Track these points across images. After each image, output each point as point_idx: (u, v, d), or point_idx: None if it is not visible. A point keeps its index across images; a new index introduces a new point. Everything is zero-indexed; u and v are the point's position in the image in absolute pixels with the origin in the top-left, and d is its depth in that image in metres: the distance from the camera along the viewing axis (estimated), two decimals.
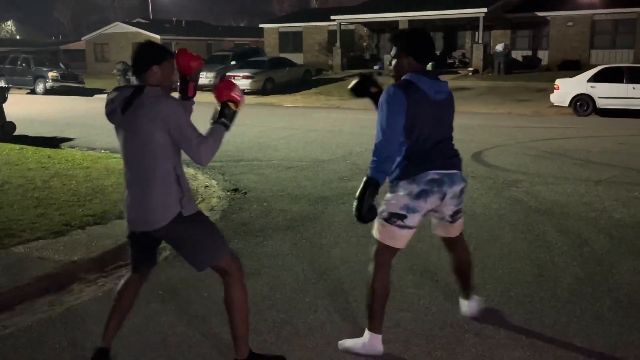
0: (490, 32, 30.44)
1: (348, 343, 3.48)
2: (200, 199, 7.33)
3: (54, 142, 12.40)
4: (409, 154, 3.26)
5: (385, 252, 3.38)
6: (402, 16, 30.55)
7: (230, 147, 11.58)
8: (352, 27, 35.28)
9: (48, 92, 28.81)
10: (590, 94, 17.26)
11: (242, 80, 25.91)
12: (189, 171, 9.17)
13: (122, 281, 3.41)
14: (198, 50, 41.50)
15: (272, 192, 7.67)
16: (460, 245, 3.69)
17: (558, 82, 18.11)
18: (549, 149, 10.59)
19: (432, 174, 3.24)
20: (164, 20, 50.49)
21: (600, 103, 17.13)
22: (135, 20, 48.85)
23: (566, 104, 17.49)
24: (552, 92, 18.07)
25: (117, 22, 46.52)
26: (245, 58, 29.79)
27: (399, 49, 3.32)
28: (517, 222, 6.09)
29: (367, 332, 3.40)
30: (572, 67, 24.96)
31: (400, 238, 3.33)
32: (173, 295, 4.35)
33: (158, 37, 43.05)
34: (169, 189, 2.98)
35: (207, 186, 8.06)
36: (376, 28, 34.93)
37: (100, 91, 30.02)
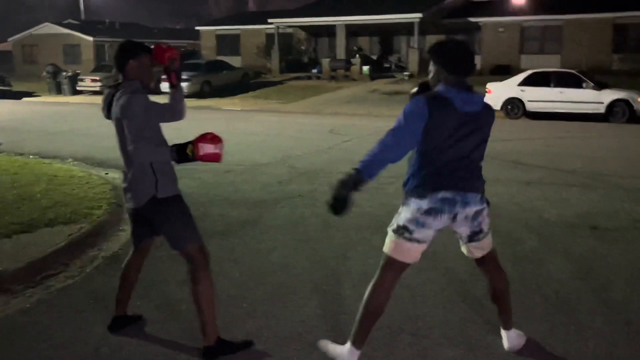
0: (426, 37, 31.06)
1: (329, 346, 3.43)
2: None
3: None
4: (424, 169, 3.12)
5: (391, 267, 3.22)
6: (338, 20, 30.84)
7: None
8: (290, 30, 35.35)
9: None
10: (520, 97, 17.87)
11: None
12: (115, 176, 8.95)
13: (127, 258, 3.79)
14: None
15: (209, 197, 7.57)
16: (492, 271, 3.42)
17: (490, 86, 18.65)
18: None
19: (444, 193, 3.09)
20: (97, 22, 49.11)
21: (530, 106, 17.75)
22: (66, 21, 47.31)
23: (498, 107, 18.03)
24: (485, 96, 18.57)
25: (46, 23, 44.95)
26: (182, 60, 29.24)
27: (432, 60, 3.18)
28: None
29: (348, 344, 3.30)
30: (503, 72, 25.74)
31: (408, 251, 3.17)
32: (105, 305, 4.22)
33: (91, 38, 41.92)
34: (144, 173, 3.31)
35: None
36: (314, 32, 35.11)
37: (29, 94, 28.95)
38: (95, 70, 31.93)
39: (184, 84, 25.47)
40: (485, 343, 3.60)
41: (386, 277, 3.23)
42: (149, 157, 3.28)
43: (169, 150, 3.29)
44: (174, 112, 3.59)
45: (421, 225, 3.12)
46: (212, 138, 3.26)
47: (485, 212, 3.24)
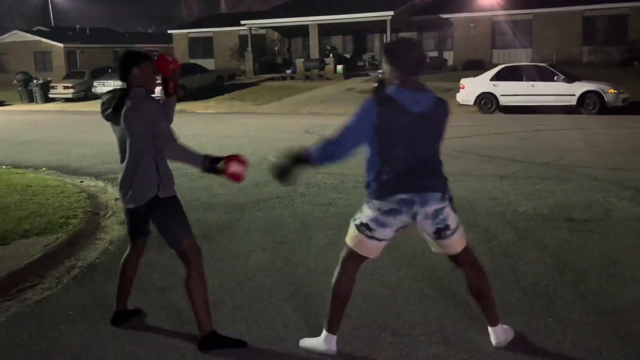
0: (398, 35, 31.21)
1: (307, 342, 3.57)
2: (110, 213, 7.09)
3: None
4: (382, 172, 3.17)
5: (352, 258, 3.38)
6: (311, 20, 30.83)
7: None
8: (262, 31, 35.29)
9: None
10: (493, 92, 18.04)
11: None
12: (98, 184, 8.87)
13: (124, 256, 3.99)
14: (104, 58, 40.24)
15: (185, 201, 7.39)
16: (469, 269, 3.43)
17: (463, 81, 18.82)
18: (457, 147, 10.95)
19: (402, 195, 3.15)
20: (67, 28, 48.51)
21: (503, 100, 17.94)
22: (35, 28, 46.67)
23: (472, 102, 18.20)
24: (458, 91, 18.75)
25: (15, 31, 44.27)
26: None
27: (385, 60, 3.21)
28: None
29: (324, 332, 3.48)
30: (476, 67, 26.00)
31: (368, 248, 3.29)
32: (83, 316, 4.18)
33: (61, 45, 41.38)
34: (149, 174, 3.53)
35: (117, 199, 7.80)
36: (287, 32, 35.08)
37: (0, 103, 28.52)
38: (67, 77, 31.56)
39: (157, 88, 25.33)
40: (466, 339, 3.62)
41: (348, 266, 3.40)
42: (171, 155, 3.55)
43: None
44: (166, 118, 3.72)
45: (381, 224, 3.21)
46: (242, 161, 3.58)
47: (447, 209, 3.26)
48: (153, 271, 4.95)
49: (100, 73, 30.36)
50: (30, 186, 8.14)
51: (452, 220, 3.28)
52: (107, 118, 3.70)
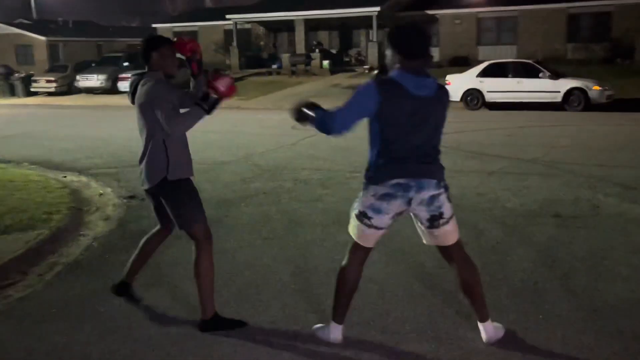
0: (384, 30, 31.19)
1: (316, 330, 3.62)
2: (94, 208, 6.98)
3: None
4: (380, 157, 3.18)
5: (356, 249, 3.39)
6: (297, 15, 30.72)
7: (126, 152, 11.16)
8: (248, 26, 35.10)
9: None
10: (479, 88, 18.09)
11: None
12: (81, 179, 8.74)
13: (152, 231, 4.06)
14: (88, 51, 39.83)
15: None
16: (460, 263, 3.41)
17: (449, 77, 18.83)
18: (443, 143, 10.91)
19: (398, 180, 3.15)
20: (49, 21, 47.86)
21: (489, 97, 17.99)
22: (17, 21, 45.98)
23: (458, 98, 18.22)
24: (439, 80, 18.73)
25: None
26: (139, 59, 28.76)
27: (388, 44, 3.20)
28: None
29: (331, 322, 3.50)
30: (461, 63, 26.02)
31: (366, 236, 3.31)
32: (67, 313, 4.09)
33: (43, 38, 40.85)
34: (158, 156, 3.61)
35: (101, 194, 7.70)
36: (273, 27, 34.93)
37: None
38: (50, 70, 31.22)
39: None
40: (455, 336, 3.59)
41: (354, 257, 3.40)
42: (178, 129, 3.55)
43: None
44: (171, 120, 3.62)
45: (377, 211, 3.21)
46: (221, 75, 3.64)
47: (443, 197, 3.25)
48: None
49: (83, 67, 30.07)
50: (12, 181, 8.00)
51: (447, 209, 3.27)
52: (132, 102, 3.79)
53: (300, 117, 3.40)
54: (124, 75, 25.82)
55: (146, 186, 3.75)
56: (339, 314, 3.47)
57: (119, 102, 25.21)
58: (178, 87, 3.87)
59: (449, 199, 3.31)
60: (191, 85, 3.96)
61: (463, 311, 3.84)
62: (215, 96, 3.60)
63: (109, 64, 29.22)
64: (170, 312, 4.06)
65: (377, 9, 28.30)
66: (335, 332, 3.49)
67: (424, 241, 3.46)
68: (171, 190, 3.66)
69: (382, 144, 3.17)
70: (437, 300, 4.11)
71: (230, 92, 3.64)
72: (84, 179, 8.81)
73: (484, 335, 3.48)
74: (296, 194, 7.38)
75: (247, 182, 8.19)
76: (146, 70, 3.70)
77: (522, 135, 12.08)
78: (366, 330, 3.69)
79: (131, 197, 7.44)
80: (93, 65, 30.34)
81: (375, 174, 3.21)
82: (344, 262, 3.44)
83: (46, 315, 4.08)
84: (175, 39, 3.86)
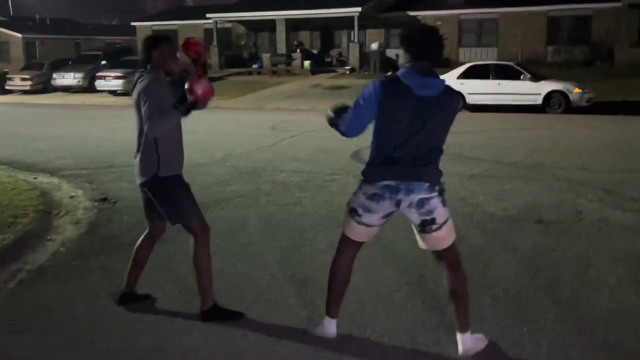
0: (366, 31, 31.12)
1: (310, 327, 3.63)
2: (64, 212, 6.73)
3: None
4: (377, 156, 3.20)
5: (345, 242, 3.41)
6: (278, 15, 30.51)
7: (99, 152, 10.91)
8: (229, 25, 34.79)
9: None
10: (460, 90, 17.97)
11: (113, 80, 24.74)
12: (52, 181, 8.47)
13: (141, 237, 4.05)
14: (65, 49, 39.20)
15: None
16: (449, 269, 3.31)
17: None
18: None
19: (388, 182, 3.14)
20: (26, 18, 47.13)
21: (470, 99, 17.91)
22: None
23: None
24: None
25: None
26: (117, 57, 28.41)
27: (401, 45, 3.22)
28: (397, 221, 6.04)
29: (325, 317, 3.50)
30: (443, 65, 25.91)
31: (356, 232, 3.33)
32: (29, 325, 3.86)
33: (19, 35, 40.15)
34: (149, 152, 3.66)
35: (72, 196, 7.44)
36: (254, 26, 34.65)
37: None
38: (25, 68, 30.63)
39: (118, 82, 24.75)
40: (436, 349, 3.44)
41: (343, 250, 3.42)
42: (154, 132, 3.55)
43: (179, 133, 3.83)
44: (147, 121, 3.66)
45: (367, 209, 3.21)
46: (199, 76, 3.65)
47: (435, 201, 3.17)
48: (105, 277, 4.66)
49: (60, 65, 29.56)
50: None
51: (440, 215, 3.19)
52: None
53: (331, 122, 3.42)
54: (101, 73, 25.43)
55: (139, 181, 3.77)
56: (332, 308, 3.47)
57: (96, 101, 24.82)
58: (177, 86, 3.85)
59: (444, 203, 3.23)
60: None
61: (444, 323, 3.68)
62: (191, 99, 3.59)
63: (86, 62, 28.80)
64: (138, 326, 3.85)
65: (359, 9, 28.18)
66: (330, 326, 3.48)
67: (419, 245, 3.40)
68: (162, 187, 3.70)
69: (379, 142, 3.18)
70: (417, 311, 3.95)
71: (207, 95, 3.62)
72: (55, 180, 8.54)
73: (460, 347, 3.34)
74: (274, 197, 7.20)
75: (224, 184, 7.98)
76: (147, 68, 3.75)
77: (503, 138, 12.01)
78: (345, 343, 3.52)
79: (103, 200, 7.20)
80: (70, 63, 29.86)
81: (368, 173, 3.22)
82: (335, 255, 3.45)
83: (7, 327, 3.85)
84: (183, 40, 3.84)
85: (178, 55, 3.85)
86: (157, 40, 3.79)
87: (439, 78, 3.15)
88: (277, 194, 7.35)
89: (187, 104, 3.58)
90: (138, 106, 3.63)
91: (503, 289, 4.27)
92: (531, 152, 10.03)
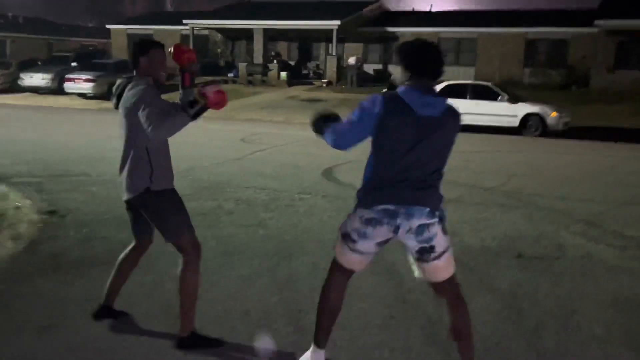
0: (344, 45, 30.84)
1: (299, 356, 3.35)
2: (6, 225, 6.13)
3: None
4: (373, 179, 2.98)
5: (336, 269, 3.19)
6: (256, 24, 30.13)
7: (57, 159, 10.29)
8: (206, 32, 34.29)
9: None
10: None
11: (83, 83, 24.03)
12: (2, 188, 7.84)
13: (126, 250, 3.83)
14: (38, 49, 38.26)
15: (96, 214, 6.64)
16: (451, 302, 3.10)
17: None
18: None
19: (386, 205, 2.92)
20: None
21: None
22: None
23: None
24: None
25: None
26: (89, 60, 27.67)
27: (396, 60, 3.05)
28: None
29: (312, 345, 3.25)
30: None
31: (350, 260, 3.10)
32: None
33: None
34: (140, 164, 3.42)
35: (18, 207, 6.84)
36: (231, 35, 34.21)
37: None
38: None
39: (88, 85, 24.04)
40: None
41: (334, 278, 3.20)
42: (159, 134, 3.31)
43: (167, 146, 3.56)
44: (151, 126, 3.38)
45: (363, 235, 3.00)
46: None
47: (435, 228, 2.96)
48: (35, 306, 4.10)
49: (28, 64, 28.74)
50: None
51: (440, 243, 2.98)
52: (115, 107, 3.55)
53: (316, 129, 3.21)
54: (70, 75, 24.67)
55: (126, 197, 3.52)
56: (320, 338, 3.22)
57: (64, 103, 24.05)
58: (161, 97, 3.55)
59: (444, 231, 3.03)
60: (179, 95, 3.72)
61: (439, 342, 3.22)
62: (202, 103, 3.33)
63: (56, 64, 28.01)
64: (109, 344, 3.32)
65: (338, 22, 27.92)
66: (318, 358, 3.23)
67: (414, 275, 3.16)
68: (155, 201, 3.47)
69: (376, 163, 2.98)
70: (411, 332, 3.48)
71: (220, 101, 3.35)
72: (4, 188, 7.91)
73: None
74: (236, 217, 6.69)
75: (185, 199, 7.34)
76: (134, 74, 3.51)
77: (479, 161, 11.65)
78: None
79: (51, 213, 6.62)
80: (39, 63, 29.04)
81: (364, 197, 3.01)
82: (325, 282, 3.23)
83: None
84: (172, 46, 3.70)
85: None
86: (147, 45, 3.55)
87: (440, 97, 2.94)
88: (240, 213, 6.84)
89: (197, 108, 3.32)
90: (130, 115, 3.35)
91: (481, 336, 3.76)
92: (508, 178, 9.67)
